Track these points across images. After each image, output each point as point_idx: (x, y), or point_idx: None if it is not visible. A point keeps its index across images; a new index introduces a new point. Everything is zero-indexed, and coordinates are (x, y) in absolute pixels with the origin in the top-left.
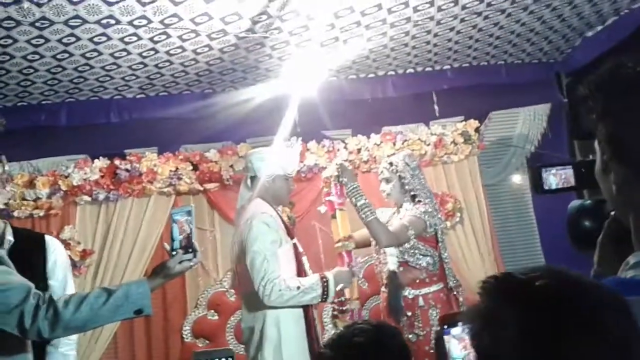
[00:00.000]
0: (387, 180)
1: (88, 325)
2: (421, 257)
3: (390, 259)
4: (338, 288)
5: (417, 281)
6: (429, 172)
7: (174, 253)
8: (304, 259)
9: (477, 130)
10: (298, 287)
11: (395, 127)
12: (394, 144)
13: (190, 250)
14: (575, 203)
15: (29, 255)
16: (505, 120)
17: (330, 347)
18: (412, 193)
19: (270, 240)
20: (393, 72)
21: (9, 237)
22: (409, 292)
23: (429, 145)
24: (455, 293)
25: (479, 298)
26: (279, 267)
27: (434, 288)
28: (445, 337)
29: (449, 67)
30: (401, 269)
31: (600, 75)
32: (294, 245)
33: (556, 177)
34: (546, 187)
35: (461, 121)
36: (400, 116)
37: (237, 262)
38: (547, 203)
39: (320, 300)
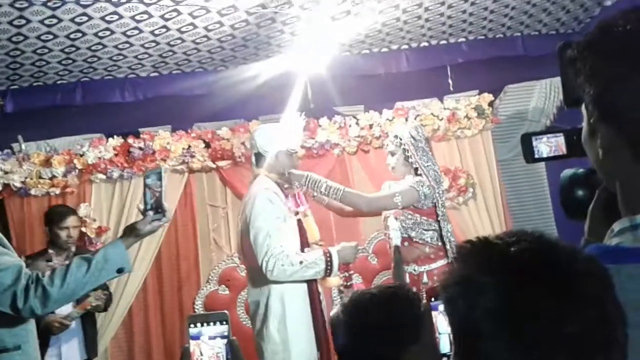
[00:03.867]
0: (392, 153)
1: (76, 294)
2: (424, 231)
3: (394, 234)
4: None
5: (422, 257)
6: (442, 147)
7: (146, 215)
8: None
9: (490, 104)
10: (301, 262)
11: (409, 102)
12: (407, 119)
13: (159, 210)
14: (567, 172)
15: None
16: (521, 94)
17: (344, 313)
18: (414, 166)
19: (274, 216)
20: (406, 46)
21: None
22: (413, 269)
23: (442, 120)
24: None
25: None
26: (282, 242)
27: (439, 263)
28: (434, 313)
29: (463, 39)
30: (406, 244)
31: (588, 35)
32: (298, 220)
33: (547, 145)
34: (537, 156)
35: (475, 95)
36: (414, 91)
37: (242, 238)
38: None
39: (323, 275)
